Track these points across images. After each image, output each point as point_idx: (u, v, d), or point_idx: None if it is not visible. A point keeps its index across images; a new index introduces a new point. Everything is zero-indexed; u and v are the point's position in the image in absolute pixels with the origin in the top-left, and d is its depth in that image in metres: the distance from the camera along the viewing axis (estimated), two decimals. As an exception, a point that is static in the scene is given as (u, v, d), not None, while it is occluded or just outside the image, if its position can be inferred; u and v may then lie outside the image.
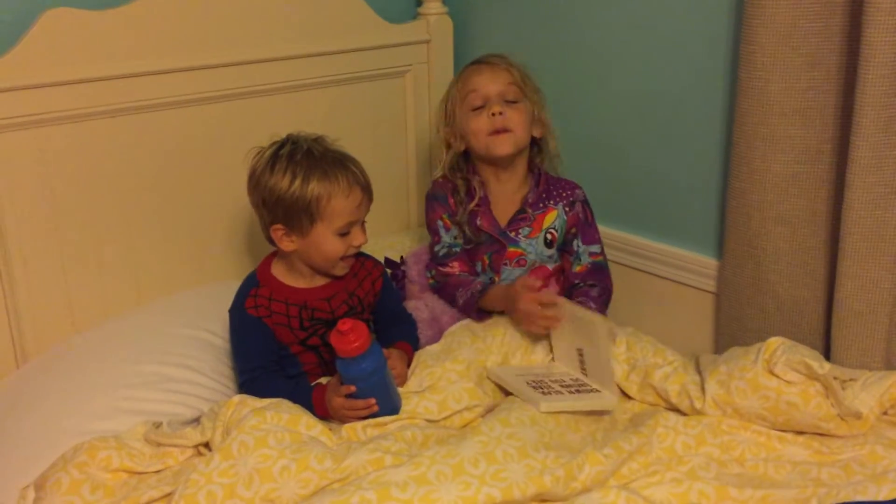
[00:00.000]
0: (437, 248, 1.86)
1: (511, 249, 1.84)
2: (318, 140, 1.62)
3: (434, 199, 1.88)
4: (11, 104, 1.62)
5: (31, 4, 1.67)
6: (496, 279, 1.84)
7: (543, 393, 1.56)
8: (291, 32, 1.97)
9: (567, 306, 1.65)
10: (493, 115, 1.77)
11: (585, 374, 1.63)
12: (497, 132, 1.78)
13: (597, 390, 1.60)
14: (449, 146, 1.86)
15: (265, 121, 1.91)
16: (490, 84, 1.79)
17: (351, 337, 1.44)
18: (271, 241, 1.63)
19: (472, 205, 1.84)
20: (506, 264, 1.84)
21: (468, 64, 1.88)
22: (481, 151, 1.82)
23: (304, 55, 1.99)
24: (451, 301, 1.83)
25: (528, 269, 1.85)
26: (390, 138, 2.21)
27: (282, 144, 1.60)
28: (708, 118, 1.86)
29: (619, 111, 2.02)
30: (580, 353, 1.65)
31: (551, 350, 1.71)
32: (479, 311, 1.77)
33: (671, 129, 1.94)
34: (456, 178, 1.86)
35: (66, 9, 1.66)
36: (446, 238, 1.86)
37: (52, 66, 1.65)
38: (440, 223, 1.86)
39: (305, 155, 1.57)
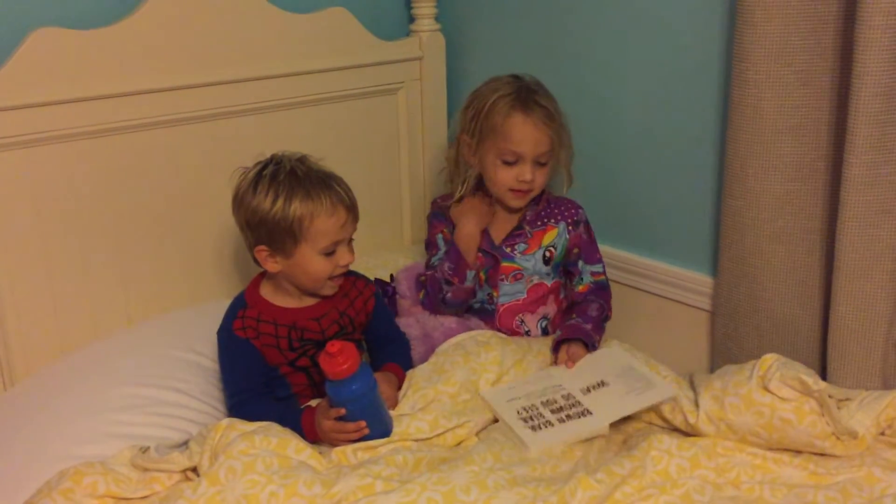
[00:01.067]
0: (433, 260, 1.85)
1: (505, 264, 1.83)
2: (301, 160, 1.60)
3: (435, 218, 1.89)
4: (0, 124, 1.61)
5: (18, 24, 1.66)
6: (495, 295, 1.83)
7: (533, 428, 1.55)
8: (283, 50, 1.96)
9: (638, 368, 1.66)
10: (522, 180, 1.76)
11: (584, 394, 1.62)
12: (519, 191, 1.78)
13: (588, 412, 1.58)
14: (465, 162, 1.84)
15: (256, 139, 1.91)
16: (530, 146, 1.73)
17: (340, 359, 1.42)
18: (257, 262, 1.61)
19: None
20: (502, 280, 1.83)
21: (515, 98, 1.74)
22: (495, 195, 1.82)
23: (295, 73, 1.98)
24: (437, 295, 1.81)
25: (525, 285, 1.84)
26: (383, 156, 2.21)
27: (265, 164, 1.59)
28: (701, 136, 1.85)
29: (611, 129, 2.01)
30: (600, 383, 1.64)
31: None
32: (465, 271, 1.78)
33: (665, 146, 1.93)
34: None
35: (53, 28, 1.65)
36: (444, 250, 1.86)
37: (40, 86, 1.64)
38: (440, 236, 1.86)
39: (288, 175, 1.55)
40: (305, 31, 1.99)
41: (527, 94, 1.75)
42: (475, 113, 1.78)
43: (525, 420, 1.57)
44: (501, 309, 1.84)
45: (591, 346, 1.73)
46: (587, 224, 1.88)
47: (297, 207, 1.53)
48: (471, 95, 1.83)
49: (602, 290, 1.87)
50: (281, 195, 1.53)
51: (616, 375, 1.65)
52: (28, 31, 1.63)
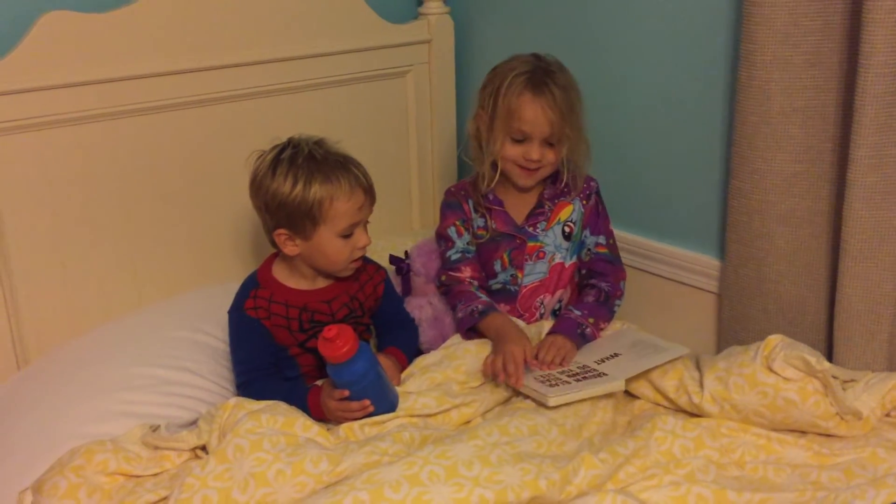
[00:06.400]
0: (449, 253, 1.84)
1: (531, 244, 1.83)
2: (319, 143, 1.62)
3: (448, 208, 1.87)
4: (10, 107, 1.62)
5: (28, 7, 1.67)
6: (519, 276, 1.82)
7: (550, 385, 1.57)
8: (291, 33, 1.96)
9: (648, 339, 1.69)
10: (528, 159, 1.75)
11: (598, 364, 1.64)
12: (527, 169, 1.78)
13: (603, 373, 1.60)
14: (481, 136, 1.82)
15: (266, 122, 1.92)
16: (537, 127, 1.72)
17: (338, 343, 1.43)
18: (274, 245, 1.62)
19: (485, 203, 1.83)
20: (527, 259, 1.83)
21: (528, 78, 1.72)
22: (504, 173, 1.80)
23: (304, 56, 1.98)
24: (452, 308, 1.80)
25: (548, 265, 1.83)
26: (392, 139, 2.21)
27: (283, 148, 1.59)
28: (709, 118, 1.85)
29: (619, 111, 2.01)
30: (613, 355, 1.66)
31: None
32: (469, 331, 1.75)
33: (672, 129, 1.93)
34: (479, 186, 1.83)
35: (63, 11, 1.66)
36: (460, 243, 1.83)
37: (51, 69, 1.65)
38: (453, 229, 1.84)
39: (307, 158, 1.56)
40: (314, 14, 1.99)
41: (542, 76, 1.73)
42: (491, 89, 1.77)
43: (541, 381, 1.58)
44: (524, 290, 1.84)
45: (578, 336, 1.72)
46: (598, 195, 1.88)
47: (316, 190, 1.54)
48: (491, 71, 1.81)
49: (607, 263, 1.85)
50: (300, 178, 1.54)
51: (628, 348, 1.67)
52: (38, 14, 1.64)
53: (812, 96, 1.64)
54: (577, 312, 1.76)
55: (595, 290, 1.82)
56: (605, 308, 1.80)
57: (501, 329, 1.69)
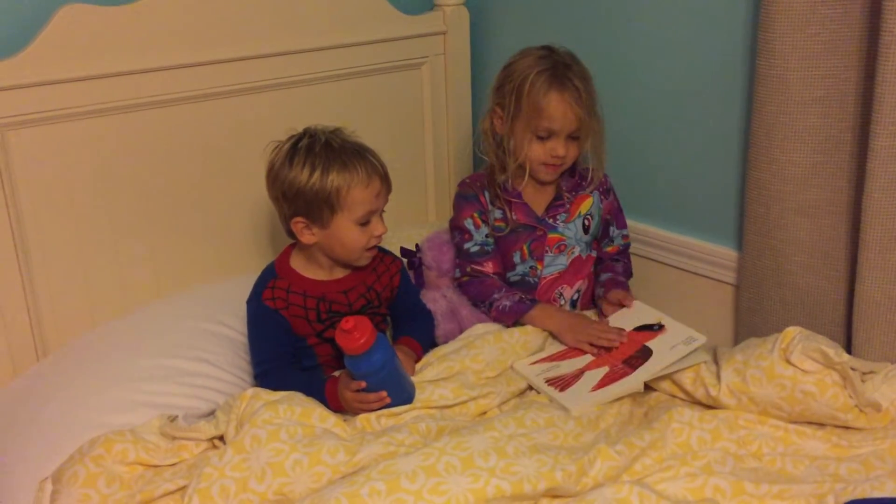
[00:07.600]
0: (467, 245, 1.84)
1: (551, 235, 1.84)
2: (335, 132, 1.63)
3: (464, 199, 1.86)
4: (29, 100, 1.63)
5: (46, 0, 1.67)
6: (539, 267, 1.84)
7: (562, 388, 1.57)
8: (307, 25, 1.97)
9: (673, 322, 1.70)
10: (554, 155, 1.76)
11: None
12: (551, 165, 1.79)
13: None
14: (497, 134, 1.83)
15: (283, 114, 1.92)
16: (564, 123, 1.74)
17: (356, 334, 1.43)
18: (291, 235, 1.63)
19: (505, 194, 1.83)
20: (547, 251, 1.84)
21: (551, 75, 1.72)
22: (528, 168, 1.81)
23: (320, 48, 1.99)
24: (482, 299, 1.80)
25: (567, 257, 1.85)
26: (407, 130, 2.21)
27: (299, 138, 1.61)
28: (726, 108, 1.84)
29: (636, 102, 2.00)
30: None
31: None
32: (516, 322, 1.77)
33: (689, 119, 1.92)
34: (496, 178, 1.84)
35: (81, 4, 1.67)
36: (478, 236, 1.84)
37: (69, 62, 1.66)
38: (470, 221, 1.84)
39: (324, 147, 1.58)
40: (330, 6, 1.99)
41: (563, 71, 1.74)
42: (510, 88, 1.77)
43: (560, 385, 1.59)
44: (543, 282, 1.85)
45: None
46: (614, 190, 1.92)
47: (333, 178, 1.55)
48: (505, 69, 1.81)
49: (627, 249, 1.95)
50: (318, 167, 1.55)
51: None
52: (56, 7, 1.65)
53: (831, 85, 1.62)
54: (622, 279, 1.88)
55: (621, 264, 1.92)
56: (626, 284, 1.89)
57: (559, 318, 1.76)
